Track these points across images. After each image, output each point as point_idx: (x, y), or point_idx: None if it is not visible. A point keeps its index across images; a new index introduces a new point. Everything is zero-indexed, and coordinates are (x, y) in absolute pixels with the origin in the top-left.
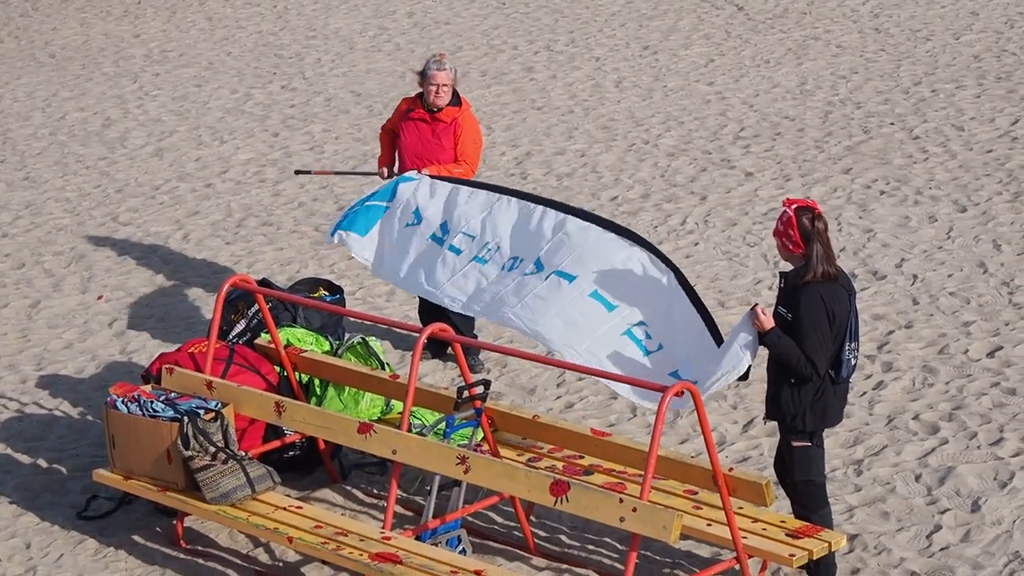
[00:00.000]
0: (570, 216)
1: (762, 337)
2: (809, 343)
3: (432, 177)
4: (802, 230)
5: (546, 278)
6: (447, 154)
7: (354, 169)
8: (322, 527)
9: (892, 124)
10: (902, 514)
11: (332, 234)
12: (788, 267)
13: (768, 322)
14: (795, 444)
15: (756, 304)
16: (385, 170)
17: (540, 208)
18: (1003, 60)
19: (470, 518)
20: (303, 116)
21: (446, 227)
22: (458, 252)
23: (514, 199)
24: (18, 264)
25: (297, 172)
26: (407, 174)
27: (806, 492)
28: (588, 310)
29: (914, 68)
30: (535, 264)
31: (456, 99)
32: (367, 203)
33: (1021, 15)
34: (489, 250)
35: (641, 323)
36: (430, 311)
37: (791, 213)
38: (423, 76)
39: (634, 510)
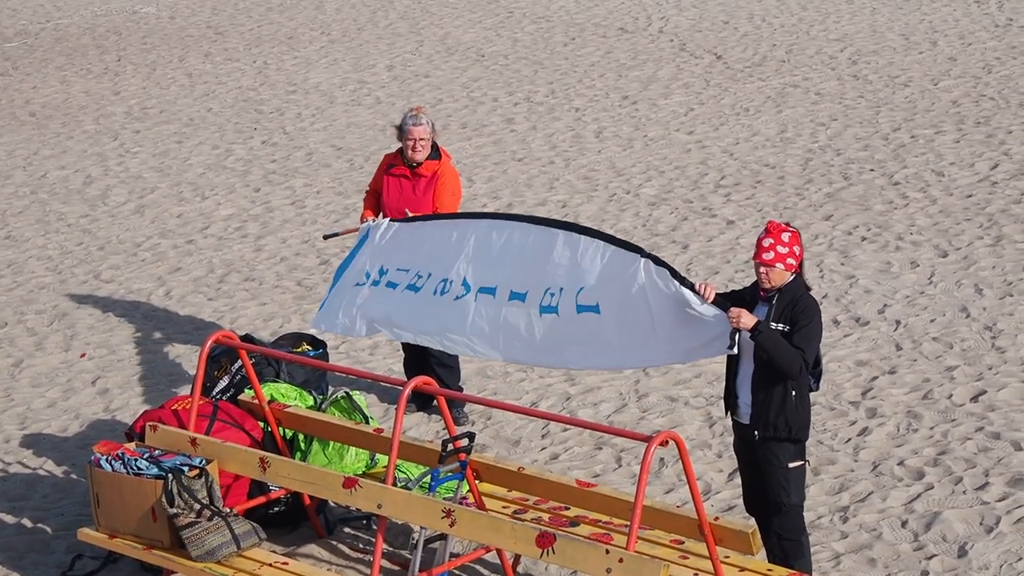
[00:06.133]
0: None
1: (753, 334)
2: (809, 343)
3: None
4: (802, 245)
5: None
6: (429, 208)
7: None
8: None
9: (872, 170)
10: (889, 560)
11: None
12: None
13: (750, 320)
14: (792, 465)
15: (730, 309)
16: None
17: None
18: (981, 105)
19: (456, 571)
20: (284, 171)
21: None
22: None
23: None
24: (0, 323)
25: (325, 237)
26: (367, 223)
27: (796, 516)
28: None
29: (893, 114)
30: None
31: (436, 152)
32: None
33: (998, 60)
34: (420, 277)
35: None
36: (414, 365)
37: (793, 232)
38: (401, 131)
39: (620, 561)
